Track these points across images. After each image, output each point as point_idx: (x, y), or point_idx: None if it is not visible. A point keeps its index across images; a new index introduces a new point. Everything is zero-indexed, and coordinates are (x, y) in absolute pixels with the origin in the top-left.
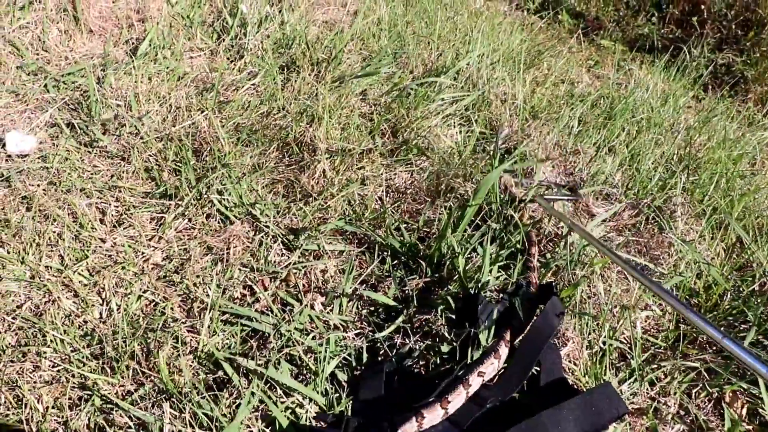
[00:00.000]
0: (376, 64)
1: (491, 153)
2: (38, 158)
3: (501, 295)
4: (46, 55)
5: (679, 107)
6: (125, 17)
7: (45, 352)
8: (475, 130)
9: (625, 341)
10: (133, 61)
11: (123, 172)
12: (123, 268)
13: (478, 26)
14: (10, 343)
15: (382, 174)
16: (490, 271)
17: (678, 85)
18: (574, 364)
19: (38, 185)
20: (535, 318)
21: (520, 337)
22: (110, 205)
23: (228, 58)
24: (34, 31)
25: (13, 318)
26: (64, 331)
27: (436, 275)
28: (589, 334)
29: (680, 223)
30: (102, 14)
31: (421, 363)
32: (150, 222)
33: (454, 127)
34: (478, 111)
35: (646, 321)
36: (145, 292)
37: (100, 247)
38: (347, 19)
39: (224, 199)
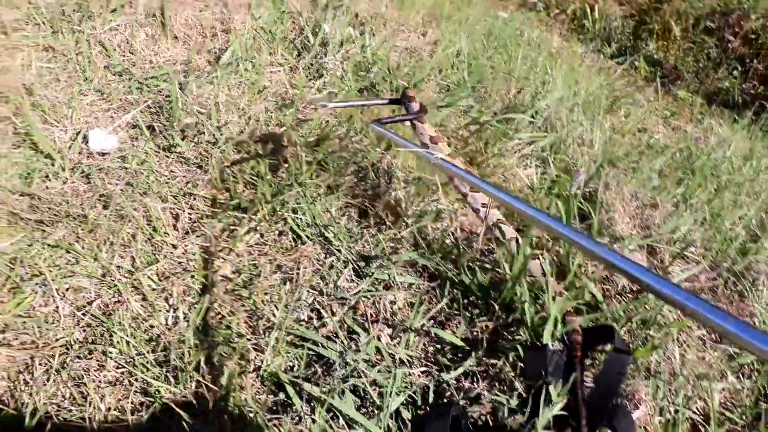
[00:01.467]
0: (455, 95)
1: (566, 197)
2: (118, 158)
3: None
4: (132, 58)
5: (761, 168)
6: (210, 26)
7: (111, 353)
8: (550, 172)
9: (698, 412)
10: (215, 70)
11: (198, 180)
12: (192, 276)
13: (558, 67)
14: (78, 339)
15: (457, 209)
16: (555, 325)
17: (760, 144)
18: (645, 429)
19: (116, 184)
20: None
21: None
22: (184, 211)
23: (307, 76)
24: (123, 33)
25: (83, 314)
26: (131, 333)
27: (508, 319)
28: (662, 399)
29: (764, 292)
30: (188, 22)
31: (489, 410)
32: (222, 233)
33: (530, 167)
34: (554, 153)
35: (721, 393)
36: (212, 303)
37: (171, 252)
38: (427, 47)
39: (298, 218)
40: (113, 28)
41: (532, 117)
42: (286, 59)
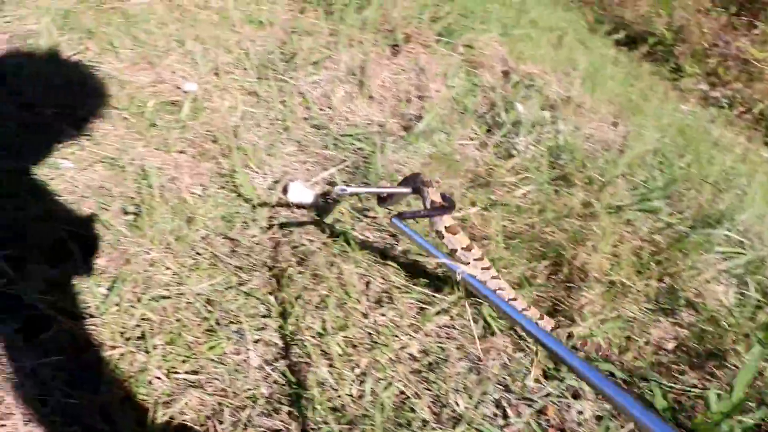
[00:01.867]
0: (647, 196)
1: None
2: (315, 214)
3: None
4: (329, 113)
5: None
6: (405, 90)
7: (296, 415)
8: (748, 294)
9: None
10: (409, 136)
11: (392, 250)
12: (380, 349)
13: (753, 175)
14: (264, 393)
15: (645, 319)
16: None
17: None
18: None
19: (312, 241)
20: None
21: None
22: (375, 279)
23: (496, 154)
24: (323, 87)
25: (272, 369)
26: (317, 399)
27: None
28: None
29: None
30: (384, 84)
31: None
32: (411, 309)
33: (727, 285)
34: (752, 273)
35: None
36: (398, 381)
37: (360, 321)
38: (617, 139)
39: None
40: (315, 82)
41: (728, 230)
42: (476, 133)
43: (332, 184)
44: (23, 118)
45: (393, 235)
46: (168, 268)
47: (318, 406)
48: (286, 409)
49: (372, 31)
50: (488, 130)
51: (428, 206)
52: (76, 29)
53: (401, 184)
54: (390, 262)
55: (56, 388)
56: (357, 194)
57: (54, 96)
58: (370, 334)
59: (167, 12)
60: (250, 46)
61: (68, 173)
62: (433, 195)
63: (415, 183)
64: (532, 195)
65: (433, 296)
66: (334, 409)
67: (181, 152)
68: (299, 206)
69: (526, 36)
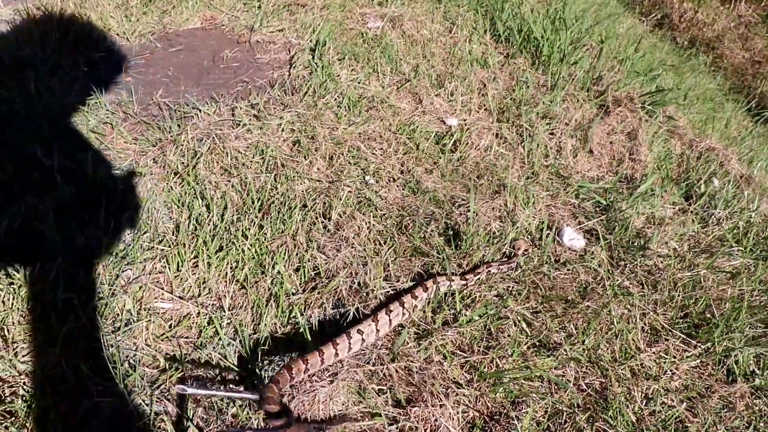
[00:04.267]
0: None
1: None
2: (578, 256)
3: None
4: (563, 162)
5: None
6: (618, 151)
7: (607, 420)
8: None
9: None
10: (631, 195)
11: (653, 301)
12: (655, 379)
13: None
14: (578, 404)
15: None
16: None
17: None
18: None
19: (587, 282)
20: None
21: None
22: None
23: (693, 221)
24: (557, 138)
25: (584, 386)
26: (618, 413)
27: None
28: None
29: None
30: (600, 142)
31: None
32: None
33: None
34: None
35: None
36: None
37: (637, 355)
38: None
39: None
40: (551, 132)
41: None
42: (678, 200)
43: (593, 234)
44: None
45: (654, 286)
46: None
47: (619, 416)
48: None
49: (584, 88)
50: (686, 198)
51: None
52: (340, 49)
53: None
54: (654, 314)
55: None
56: (197, 396)
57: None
58: (643, 369)
59: (400, 40)
60: (487, 89)
61: (373, 188)
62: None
63: (262, 393)
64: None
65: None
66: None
67: (452, 182)
68: (571, 250)
69: (711, 111)
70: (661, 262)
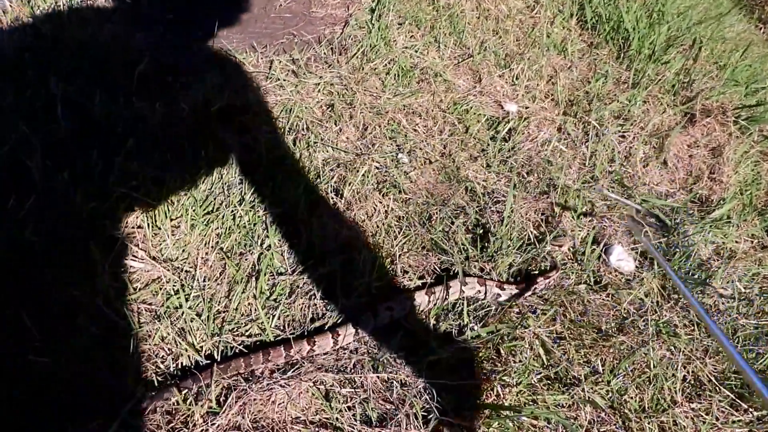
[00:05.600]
0: None
1: None
2: (624, 281)
3: None
4: (629, 171)
5: None
6: (697, 167)
7: None
8: None
9: None
10: (703, 218)
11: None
12: None
13: None
14: None
15: None
16: None
17: None
18: None
19: (631, 311)
20: None
21: None
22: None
23: None
24: (628, 143)
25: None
26: None
27: None
28: None
29: None
30: (677, 153)
31: None
32: None
33: None
34: None
35: None
36: None
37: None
38: None
39: None
40: (622, 135)
41: None
42: (758, 231)
43: (645, 256)
44: None
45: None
46: None
47: None
48: None
49: (670, 92)
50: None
51: None
52: (403, 12)
53: None
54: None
55: None
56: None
57: None
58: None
59: (474, 11)
60: (559, 77)
61: (404, 167)
62: None
63: None
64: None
65: None
66: None
67: (497, 174)
68: (618, 271)
69: None
70: (723, 303)
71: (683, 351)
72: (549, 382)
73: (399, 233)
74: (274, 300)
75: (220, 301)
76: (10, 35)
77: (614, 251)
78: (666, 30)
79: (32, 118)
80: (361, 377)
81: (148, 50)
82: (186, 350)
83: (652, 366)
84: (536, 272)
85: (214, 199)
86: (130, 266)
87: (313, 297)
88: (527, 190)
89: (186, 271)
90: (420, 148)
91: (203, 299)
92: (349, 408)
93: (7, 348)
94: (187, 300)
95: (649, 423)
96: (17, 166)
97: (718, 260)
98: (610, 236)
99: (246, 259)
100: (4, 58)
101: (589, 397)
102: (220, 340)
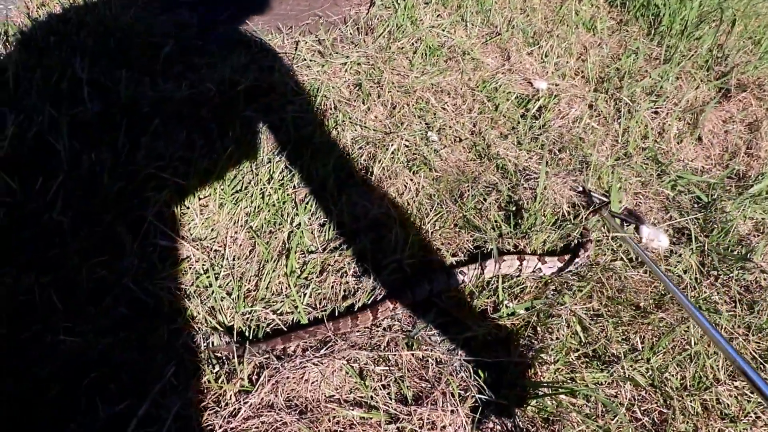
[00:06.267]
0: None
1: None
2: (662, 258)
3: None
4: (663, 147)
5: None
6: (733, 143)
7: None
8: None
9: None
10: (740, 194)
11: None
12: None
13: None
14: None
15: None
16: None
17: None
18: None
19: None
20: None
21: None
22: None
23: None
24: (661, 118)
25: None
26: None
27: None
28: None
29: None
30: (713, 130)
31: None
32: None
33: None
34: None
35: None
36: None
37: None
38: None
39: None
40: (655, 111)
41: None
42: None
43: (683, 233)
44: None
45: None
46: None
47: None
48: None
49: (703, 67)
50: None
51: None
52: None
53: None
54: None
55: None
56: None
57: None
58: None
59: None
60: (589, 54)
61: (434, 145)
62: None
63: None
64: None
65: None
66: None
67: (528, 151)
68: (652, 250)
69: None
70: (765, 279)
71: (725, 328)
72: (587, 359)
73: (430, 210)
74: (305, 278)
75: (250, 280)
76: (36, 20)
77: (643, 232)
78: (698, 5)
79: (59, 101)
80: (395, 355)
81: (173, 32)
82: (216, 328)
83: (692, 343)
84: (578, 243)
85: (243, 177)
86: (160, 244)
87: (344, 275)
88: (560, 167)
89: (215, 250)
90: (449, 126)
91: (233, 278)
92: (383, 386)
93: (37, 328)
94: (216, 279)
95: (691, 401)
96: (45, 147)
97: (758, 236)
98: (645, 213)
99: (276, 238)
100: (31, 42)
101: (629, 375)
102: (251, 317)
